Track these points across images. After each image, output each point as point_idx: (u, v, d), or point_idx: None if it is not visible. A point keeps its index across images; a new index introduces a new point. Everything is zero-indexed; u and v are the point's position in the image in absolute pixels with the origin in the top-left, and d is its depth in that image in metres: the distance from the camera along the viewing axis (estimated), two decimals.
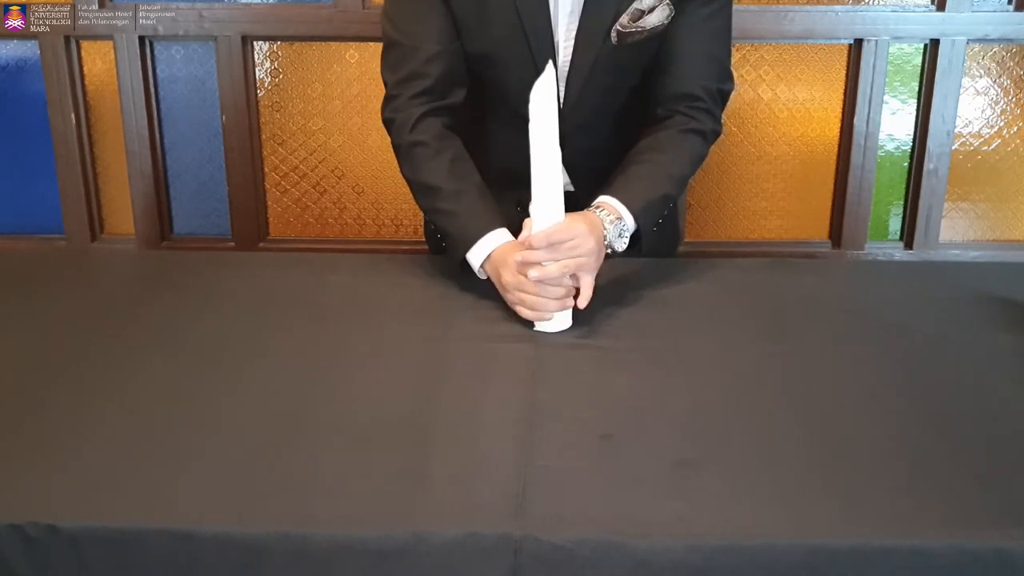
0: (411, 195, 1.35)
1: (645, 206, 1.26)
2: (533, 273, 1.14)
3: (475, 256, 1.24)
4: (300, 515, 0.79)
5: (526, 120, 1.11)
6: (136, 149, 2.19)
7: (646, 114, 1.38)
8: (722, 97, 1.37)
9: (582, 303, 1.16)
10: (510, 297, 1.19)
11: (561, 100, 1.34)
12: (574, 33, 1.31)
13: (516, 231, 1.29)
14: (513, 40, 1.31)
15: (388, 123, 1.35)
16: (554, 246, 1.14)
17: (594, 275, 1.18)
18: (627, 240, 1.25)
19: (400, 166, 1.35)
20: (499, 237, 1.23)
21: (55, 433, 0.91)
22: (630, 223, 1.24)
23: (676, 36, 1.32)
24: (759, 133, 2.19)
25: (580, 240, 1.15)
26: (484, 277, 1.25)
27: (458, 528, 0.77)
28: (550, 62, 1.14)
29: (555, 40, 1.31)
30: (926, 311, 1.24)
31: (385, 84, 1.36)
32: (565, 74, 1.34)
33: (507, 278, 1.18)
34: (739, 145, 2.20)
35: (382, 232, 2.29)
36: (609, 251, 1.23)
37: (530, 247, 1.14)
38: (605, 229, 1.21)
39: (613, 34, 1.30)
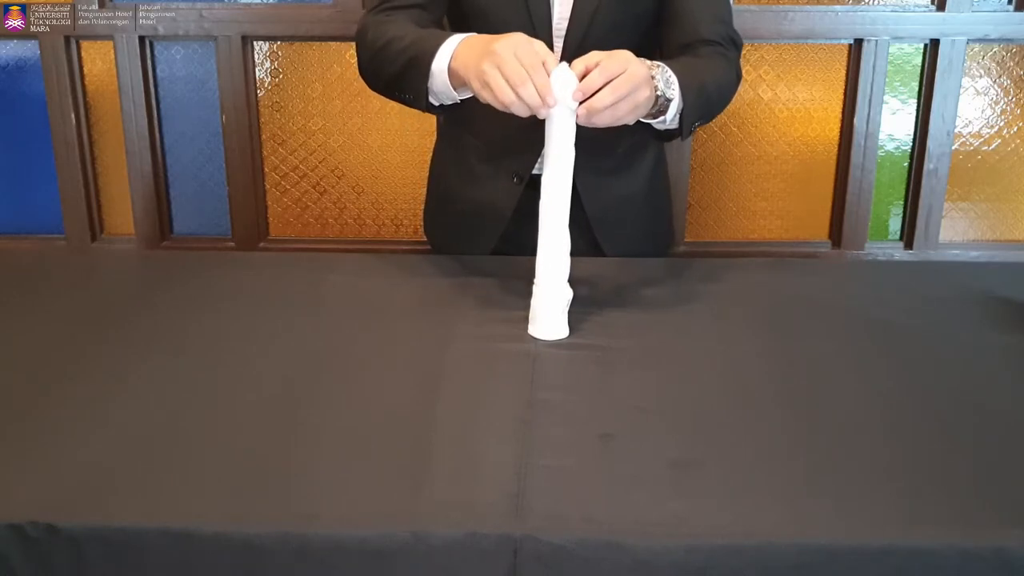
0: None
1: (690, 84, 1.20)
2: (582, 111, 1.07)
3: (440, 63, 1.15)
4: (300, 515, 0.79)
5: None
6: (136, 149, 2.19)
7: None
8: (735, 45, 1.37)
9: (594, 119, 1.08)
10: (487, 69, 1.06)
11: (556, 60, 1.34)
12: None
13: (513, 204, 1.29)
14: None
15: (359, 33, 1.32)
16: (608, 84, 1.07)
17: (635, 107, 1.10)
18: (675, 92, 1.17)
19: (365, 57, 1.31)
20: (462, 36, 1.17)
21: (55, 433, 0.91)
22: (676, 86, 1.17)
23: None
24: (759, 133, 2.19)
25: (631, 71, 1.08)
26: (454, 91, 1.17)
27: (458, 528, 0.77)
28: (564, 63, 1.14)
29: None
30: (926, 311, 1.24)
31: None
32: (562, 32, 1.34)
33: (497, 46, 1.06)
34: (739, 145, 2.20)
35: (382, 232, 2.29)
36: (659, 96, 1.16)
37: (584, 90, 1.06)
38: (652, 70, 1.14)
39: None
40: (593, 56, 1.09)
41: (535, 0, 1.32)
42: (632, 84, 1.08)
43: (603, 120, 1.09)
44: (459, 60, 1.16)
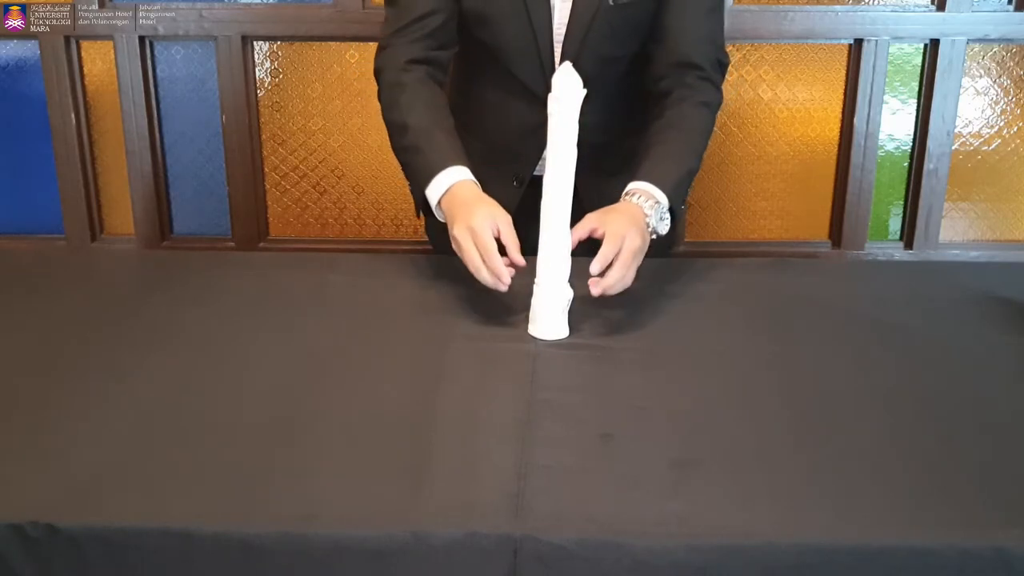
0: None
1: (676, 184, 1.26)
2: (595, 291, 1.13)
3: (434, 191, 1.23)
4: (300, 515, 0.79)
5: (520, 83, 1.11)
6: (136, 149, 2.19)
7: (646, 92, 1.39)
8: (721, 67, 1.38)
9: (598, 291, 1.14)
10: (455, 247, 1.17)
11: (556, 65, 1.34)
12: None
13: (513, 207, 1.29)
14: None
15: (377, 72, 1.36)
16: (612, 263, 1.13)
17: (636, 266, 1.17)
18: (668, 222, 1.24)
19: (381, 111, 1.36)
20: (459, 173, 1.23)
21: (55, 433, 0.91)
22: (666, 203, 1.24)
23: (672, 7, 1.33)
24: (759, 133, 2.19)
25: (629, 241, 1.15)
26: (442, 218, 1.24)
27: (458, 528, 0.77)
28: (568, 63, 1.14)
29: (552, 1, 1.33)
30: (926, 311, 1.24)
31: (379, 40, 1.38)
32: (561, 37, 1.35)
33: (456, 231, 1.16)
34: (739, 145, 2.20)
35: (382, 232, 2.29)
36: (653, 236, 1.22)
37: (602, 264, 1.13)
38: (647, 216, 1.20)
39: None
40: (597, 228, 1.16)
41: (536, 7, 1.32)
42: (633, 254, 1.15)
43: (616, 291, 1.15)
44: (443, 214, 1.23)
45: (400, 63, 1.33)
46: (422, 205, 1.27)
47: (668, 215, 1.24)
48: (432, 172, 1.23)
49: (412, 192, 1.31)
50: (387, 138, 1.36)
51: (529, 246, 1.19)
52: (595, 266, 1.13)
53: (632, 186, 1.25)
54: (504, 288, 1.13)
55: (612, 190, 1.45)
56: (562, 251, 1.15)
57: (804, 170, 2.23)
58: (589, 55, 1.34)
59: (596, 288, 1.13)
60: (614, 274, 1.13)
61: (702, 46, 1.35)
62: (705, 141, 1.35)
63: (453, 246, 1.18)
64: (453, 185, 1.22)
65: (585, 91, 1.12)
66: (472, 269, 1.14)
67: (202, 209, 2.29)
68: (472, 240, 1.14)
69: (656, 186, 1.24)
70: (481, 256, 1.13)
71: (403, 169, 1.33)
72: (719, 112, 1.40)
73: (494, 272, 1.13)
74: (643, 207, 1.21)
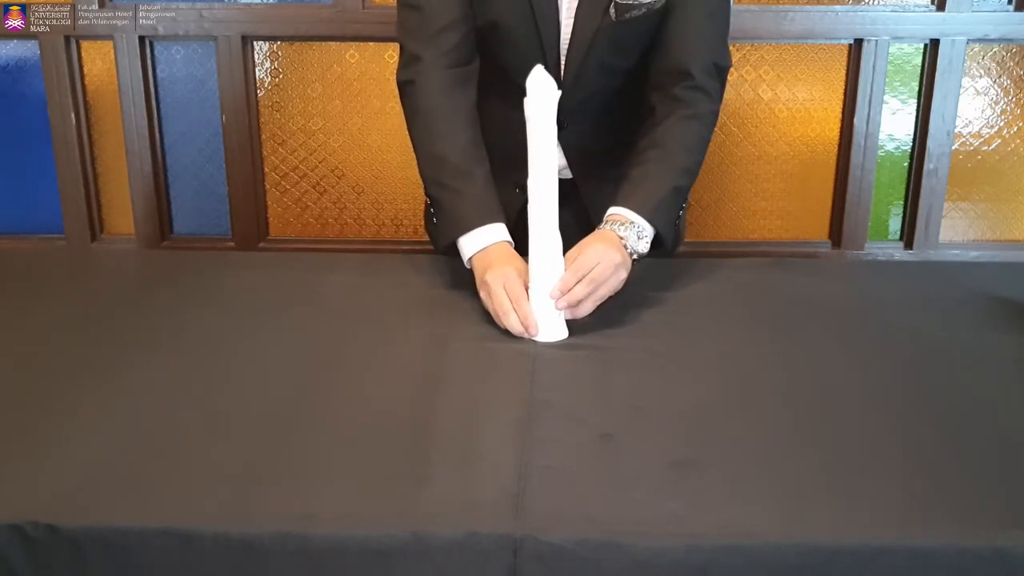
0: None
1: (656, 205, 1.25)
2: (561, 302, 1.14)
3: (469, 243, 1.23)
4: (300, 515, 0.79)
5: (524, 92, 1.11)
6: (136, 149, 2.20)
7: (644, 101, 1.39)
8: (718, 72, 1.35)
9: (578, 314, 1.16)
10: (483, 293, 1.19)
11: (561, 76, 1.34)
12: (575, 8, 1.32)
13: (515, 212, 1.29)
14: (520, 10, 1.31)
15: (406, 85, 1.33)
16: (583, 279, 1.14)
17: (615, 288, 1.18)
18: (648, 241, 1.24)
19: (411, 130, 1.33)
20: (498, 233, 1.23)
21: (55, 433, 0.91)
22: (644, 225, 1.23)
23: (672, 14, 1.33)
24: (759, 133, 2.19)
25: (604, 262, 1.16)
26: (468, 266, 1.25)
27: (458, 528, 0.77)
28: (539, 65, 1.14)
29: (559, 15, 1.32)
30: (926, 311, 1.24)
31: (403, 47, 1.34)
32: (565, 50, 1.34)
33: (489, 277, 1.17)
34: (739, 145, 2.20)
35: (382, 232, 2.29)
36: (635, 257, 1.22)
37: (562, 290, 1.14)
38: (622, 237, 1.21)
39: (611, 9, 1.30)
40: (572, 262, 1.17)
41: (544, 21, 1.31)
42: (604, 274, 1.16)
43: (586, 309, 1.16)
44: (472, 265, 1.24)
45: (437, 84, 1.30)
46: (447, 243, 1.27)
47: (646, 234, 1.24)
48: (470, 223, 1.23)
49: (437, 222, 1.30)
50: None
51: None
52: (555, 291, 1.14)
53: (610, 212, 1.25)
54: (532, 335, 1.14)
55: (616, 195, 1.46)
56: (552, 252, 1.15)
57: (804, 170, 2.23)
58: (593, 66, 1.34)
59: (561, 303, 1.14)
60: (578, 291, 1.14)
61: (696, 51, 1.32)
62: (693, 155, 1.33)
63: (481, 291, 1.19)
64: (490, 246, 1.22)
65: (560, 92, 1.12)
66: (500, 313, 1.14)
67: (202, 209, 2.29)
68: (503, 287, 1.15)
69: (634, 211, 1.24)
70: (512, 304, 1.14)
71: (431, 199, 1.32)
72: (720, 112, 1.39)
73: (523, 318, 1.13)
74: (617, 232, 1.21)
